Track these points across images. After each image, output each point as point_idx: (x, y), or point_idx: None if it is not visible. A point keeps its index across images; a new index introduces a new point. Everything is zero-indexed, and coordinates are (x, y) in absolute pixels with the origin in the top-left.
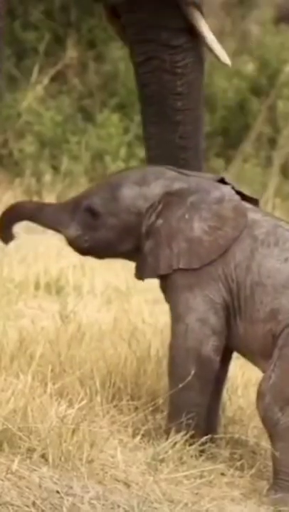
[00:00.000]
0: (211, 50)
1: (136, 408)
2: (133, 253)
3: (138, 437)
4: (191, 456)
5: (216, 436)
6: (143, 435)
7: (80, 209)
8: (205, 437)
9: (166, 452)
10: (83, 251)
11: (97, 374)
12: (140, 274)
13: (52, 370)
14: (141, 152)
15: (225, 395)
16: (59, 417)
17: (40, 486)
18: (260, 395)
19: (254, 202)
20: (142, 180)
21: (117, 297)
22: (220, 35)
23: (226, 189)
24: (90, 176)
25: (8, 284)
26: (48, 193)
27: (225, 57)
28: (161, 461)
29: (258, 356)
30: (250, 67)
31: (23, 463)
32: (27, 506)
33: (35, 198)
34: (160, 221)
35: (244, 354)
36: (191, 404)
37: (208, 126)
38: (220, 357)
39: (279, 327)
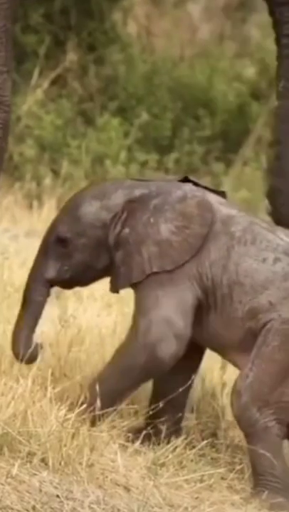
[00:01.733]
0: None
1: (136, 412)
2: (112, 267)
3: (138, 441)
4: (191, 461)
5: (216, 441)
6: (143, 439)
7: (51, 245)
8: (205, 441)
9: (167, 457)
10: (69, 283)
11: None
12: (114, 286)
13: (52, 374)
14: (141, 156)
15: (225, 400)
16: (59, 421)
17: (40, 490)
18: (236, 393)
19: (221, 194)
20: (100, 193)
21: (116, 301)
22: (220, 39)
23: (188, 187)
24: (90, 180)
25: (8, 287)
26: (48, 197)
27: None
28: (162, 465)
29: (235, 354)
30: (250, 71)
31: (23, 467)
32: (27, 510)
33: (35, 202)
34: (126, 230)
35: (218, 351)
36: (119, 391)
37: (208, 130)
38: (173, 363)
39: (258, 325)
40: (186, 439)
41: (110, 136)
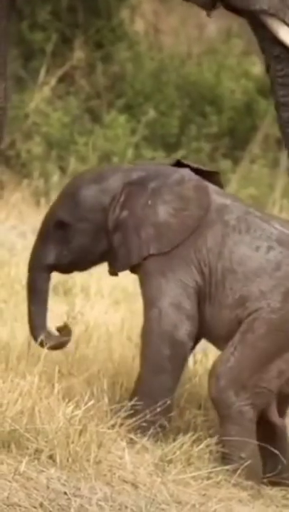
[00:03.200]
0: None
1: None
2: (110, 251)
3: (145, 438)
4: (199, 458)
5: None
6: (150, 436)
7: (50, 229)
8: (212, 438)
9: (174, 453)
10: (68, 268)
11: (104, 375)
12: (114, 269)
13: (59, 371)
14: (148, 153)
15: None
16: (66, 418)
17: (47, 487)
18: (214, 376)
19: (215, 175)
20: (99, 177)
21: (124, 298)
22: (228, 36)
23: (184, 170)
24: None
25: (15, 285)
26: (55, 194)
27: None
28: (169, 462)
29: (223, 342)
30: (257, 68)
31: (30, 464)
32: (35, 507)
33: (42, 199)
34: (125, 212)
35: (209, 339)
36: (163, 389)
37: (215, 127)
38: (192, 342)
39: (245, 313)
40: (193, 435)
41: (117, 133)
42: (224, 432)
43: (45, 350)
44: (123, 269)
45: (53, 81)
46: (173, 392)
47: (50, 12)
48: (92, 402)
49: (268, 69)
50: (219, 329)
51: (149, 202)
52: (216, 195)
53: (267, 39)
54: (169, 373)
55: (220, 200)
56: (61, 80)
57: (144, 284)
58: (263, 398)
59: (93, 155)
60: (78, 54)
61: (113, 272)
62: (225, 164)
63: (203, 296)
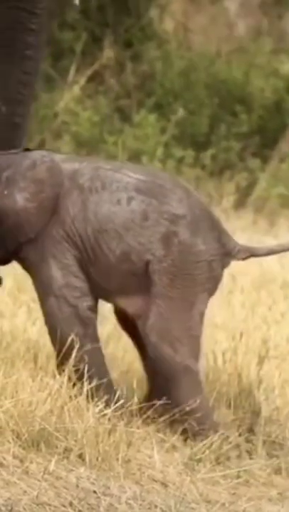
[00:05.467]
0: None
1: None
2: None
3: (175, 437)
4: (228, 456)
5: (253, 436)
6: (180, 435)
7: None
8: (242, 437)
9: (203, 452)
10: None
11: (133, 374)
12: None
13: (88, 371)
14: (177, 152)
15: (261, 395)
16: (96, 417)
17: (77, 486)
18: (144, 336)
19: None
20: None
21: None
22: (257, 35)
23: (37, 154)
24: None
25: None
26: None
27: None
28: (198, 461)
29: (119, 297)
30: (287, 67)
31: (60, 463)
32: (64, 506)
33: None
34: None
35: (104, 297)
36: (97, 366)
37: (245, 126)
38: (96, 314)
39: (137, 266)
40: (222, 434)
41: (147, 132)
42: (174, 393)
43: (75, 350)
44: None
45: (83, 80)
46: (105, 366)
47: (79, 11)
48: (121, 402)
49: None
50: (110, 285)
51: (6, 192)
52: (66, 163)
53: None
54: (90, 351)
55: (69, 166)
56: (91, 79)
57: (31, 274)
58: (198, 346)
59: (123, 154)
60: (108, 53)
61: None
62: (254, 163)
63: (85, 264)
